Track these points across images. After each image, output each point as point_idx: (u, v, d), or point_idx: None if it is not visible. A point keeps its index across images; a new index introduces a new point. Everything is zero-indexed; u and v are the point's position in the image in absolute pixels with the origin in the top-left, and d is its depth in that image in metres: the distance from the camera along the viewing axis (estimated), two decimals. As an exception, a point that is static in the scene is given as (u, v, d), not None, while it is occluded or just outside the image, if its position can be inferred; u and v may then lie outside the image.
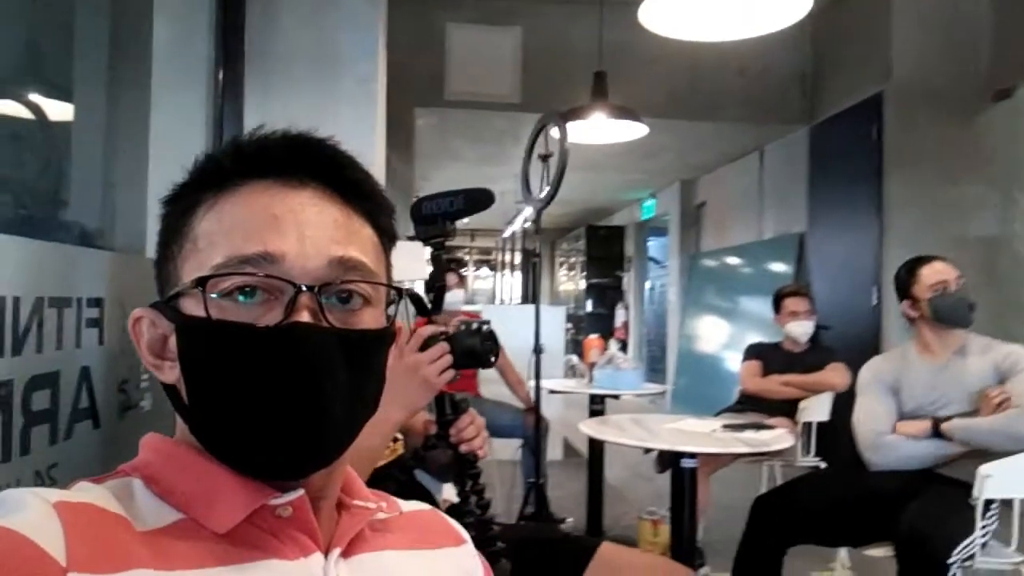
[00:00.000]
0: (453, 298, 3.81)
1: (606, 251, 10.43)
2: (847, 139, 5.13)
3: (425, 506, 0.71)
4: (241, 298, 0.54)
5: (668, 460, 3.28)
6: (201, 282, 0.53)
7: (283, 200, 0.56)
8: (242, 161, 0.57)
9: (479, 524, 1.26)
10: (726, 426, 2.28)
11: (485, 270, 15.07)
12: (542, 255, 14.41)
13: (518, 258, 14.02)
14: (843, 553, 2.56)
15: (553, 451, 5.12)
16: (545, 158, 2.86)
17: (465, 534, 0.71)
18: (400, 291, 0.62)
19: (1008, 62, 4.43)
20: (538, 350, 2.98)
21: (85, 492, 0.51)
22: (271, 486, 0.54)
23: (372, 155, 1.90)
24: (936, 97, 4.57)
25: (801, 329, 3.55)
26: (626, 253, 10.38)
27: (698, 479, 2.88)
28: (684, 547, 2.13)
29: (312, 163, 0.58)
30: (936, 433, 2.16)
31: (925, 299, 2.29)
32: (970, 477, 2.00)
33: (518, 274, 14.29)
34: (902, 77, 4.60)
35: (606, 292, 10.45)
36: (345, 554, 0.57)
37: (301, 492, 0.54)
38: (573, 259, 11.52)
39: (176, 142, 1.67)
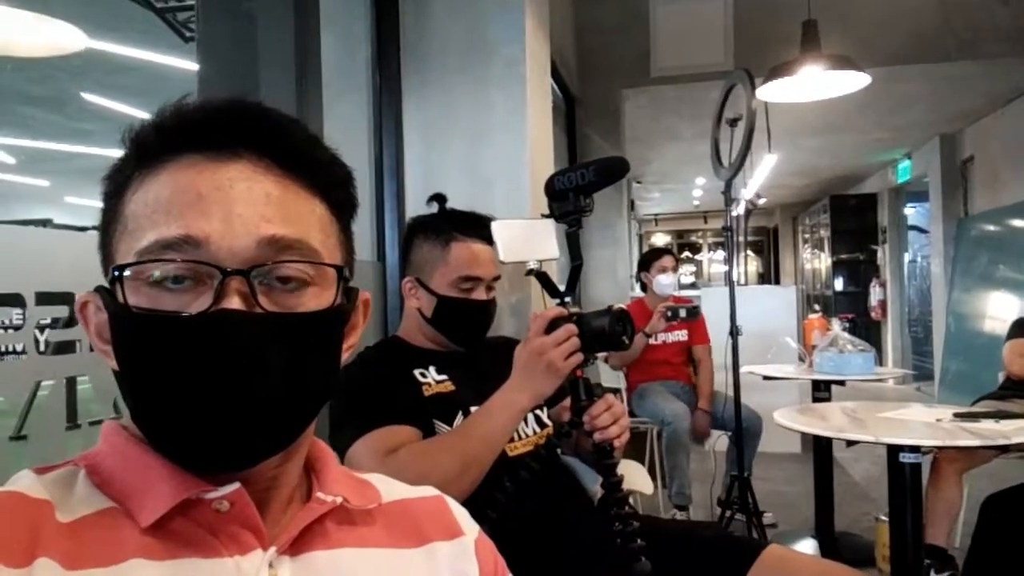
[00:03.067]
0: (667, 280, 3.68)
1: (855, 223, 9.39)
2: None
3: (430, 492, 0.66)
4: (171, 284, 0.52)
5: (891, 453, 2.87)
6: (119, 270, 0.52)
7: (210, 176, 0.53)
8: (164, 135, 0.55)
9: (616, 519, 1.18)
10: (958, 414, 1.91)
11: (721, 252, 14.40)
12: (781, 232, 13.42)
13: (749, 238, 13.21)
14: None
15: (789, 445, 4.75)
16: (734, 122, 2.62)
17: (468, 526, 0.64)
18: (341, 269, 0.57)
19: None
20: (735, 332, 2.75)
21: (17, 481, 0.52)
22: (207, 479, 0.52)
23: (523, 134, 1.87)
24: None
25: (1089, 298, 2.90)
26: (879, 223, 9.27)
27: (943, 477, 2.49)
28: (908, 554, 1.82)
29: (244, 132, 0.54)
30: None
31: None
32: None
33: (751, 254, 13.47)
34: None
35: (858, 268, 9.42)
36: (293, 551, 0.53)
37: (237, 485, 0.52)
38: (819, 234, 10.54)
39: (344, 150, 1.78)
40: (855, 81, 3.17)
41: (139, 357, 0.52)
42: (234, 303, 0.50)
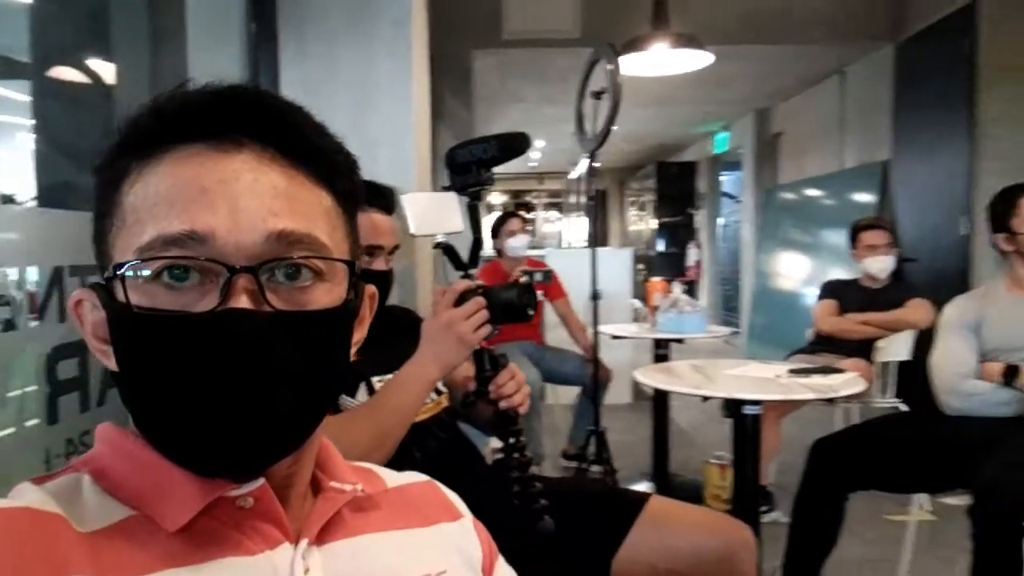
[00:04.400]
0: (517, 243, 3.76)
1: (678, 188, 10.11)
2: (936, 55, 4.74)
3: (420, 477, 0.67)
4: (175, 281, 0.49)
5: (732, 406, 3.20)
6: (118, 268, 0.49)
7: (214, 168, 0.50)
8: (164, 123, 0.51)
9: (521, 481, 1.24)
10: (792, 371, 2.18)
11: (554, 213, 14.92)
12: (610, 195, 14.13)
13: (584, 200, 13.79)
14: (922, 497, 2.45)
15: (620, 396, 5.08)
16: (598, 95, 2.73)
17: (463, 509, 0.67)
18: (352, 264, 0.56)
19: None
20: (595, 296, 2.92)
21: (21, 496, 0.48)
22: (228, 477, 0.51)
23: (410, 98, 1.84)
24: (1038, 3, 4.15)
25: (879, 264, 3.35)
26: (698, 189, 10.05)
27: (767, 424, 2.80)
28: (747, 494, 2.07)
29: (248, 120, 0.52)
30: (1008, 382, 2.01)
31: (1023, 232, 2.10)
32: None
33: (584, 217, 14.09)
34: (999, -16, 4.18)
35: (678, 231, 10.17)
36: (318, 541, 0.53)
37: (262, 481, 0.51)
38: (644, 198, 11.23)
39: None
40: (699, 59, 3.40)
41: (143, 359, 0.49)
42: (242, 302, 0.48)
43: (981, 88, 4.31)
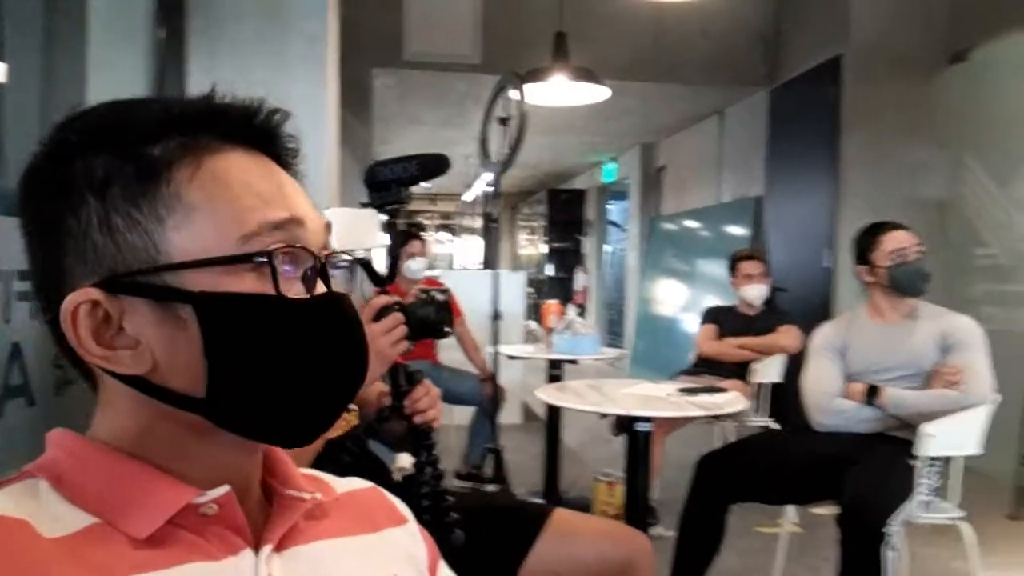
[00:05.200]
0: (416, 266, 3.76)
1: (567, 215, 10.43)
2: (806, 102, 5.17)
3: (364, 483, 0.68)
4: (288, 267, 0.52)
5: (624, 423, 3.34)
6: (266, 256, 0.50)
7: (273, 170, 0.54)
8: (227, 124, 0.53)
9: (434, 495, 1.26)
10: (681, 390, 2.32)
11: (445, 235, 14.97)
12: (501, 219, 14.35)
13: (478, 222, 13.92)
14: (791, 510, 2.64)
15: (511, 416, 5.15)
16: (504, 121, 2.82)
17: (408, 513, 0.68)
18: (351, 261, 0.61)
19: (964, 25, 4.48)
20: (497, 316, 2.97)
21: None
22: (197, 484, 0.51)
23: (324, 116, 1.84)
24: (893, 59, 4.62)
25: (755, 292, 3.60)
26: (586, 217, 10.39)
27: (654, 441, 2.94)
28: (639, 508, 2.17)
29: (275, 136, 0.55)
30: (870, 401, 2.22)
31: (883, 267, 2.32)
32: (913, 436, 2.07)
33: (479, 239, 14.22)
34: (861, 39, 4.62)
35: (566, 256, 10.47)
36: (278, 548, 0.54)
37: (227, 488, 0.51)
38: (534, 223, 11.49)
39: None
40: (597, 93, 3.56)
41: (273, 343, 0.51)
42: (323, 288, 0.53)
43: (844, 133, 4.74)
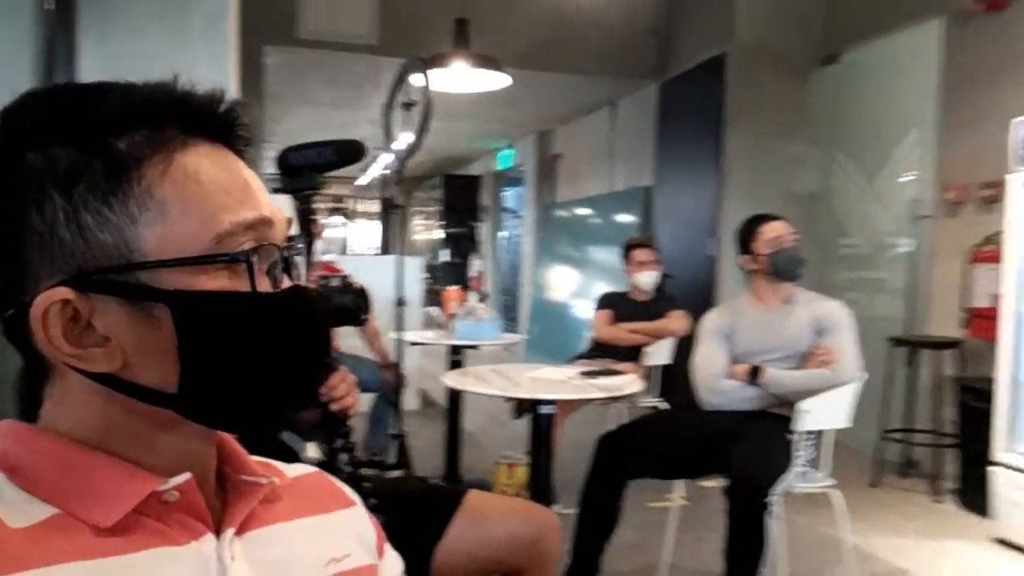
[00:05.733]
0: (315, 249, 3.69)
1: (463, 201, 10.44)
2: (693, 96, 5.40)
3: (311, 469, 0.70)
4: (257, 264, 0.52)
5: (525, 407, 3.42)
6: (245, 254, 0.51)
7: (237, 164, 0.54)
8: (192, 116, 0.52)
9: (352, 481, 1.27)
10: (582, 373, 2.41)
11: (337, 219, 14.64)
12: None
13: (372, 206, 13.72)
14: (680, 484, 2.80)
15: (410, 402, 5.15)
16: (408, 106, 2.81)
17: (355, 496, 0.70)
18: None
19: (837, 29, 4.82)
20: (401, 302, 2.97)
21: None
22: (157, 472, 0.51)
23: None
24: (772, 60, 4.91)
25: (647, 279, 3.76)
26: (482, 203, 10.44)
27: (553, 423, 3.03)
28: (543, 488, 2.24)
29: (236, 127, 0.55)
30: (752, 381, 2.40)
31: (763, 254, 2.50)
32: (791, 412, 2.26)
33: (372, 223, 14.00)
34: (743, 40, 4.88)
35: (462, 242, 10.49)
36: (238, 532, 0.55)
37: (188, 475, 0.52)
38: (429, 208, 11.44)
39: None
40: (498, 81, 3.59)
41: (248, 338, 0.52)
42: (288, 281, 0.55)
43: (727, 128, 5.00)
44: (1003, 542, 3.02)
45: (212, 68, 1.69)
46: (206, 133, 0.53)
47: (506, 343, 3.95)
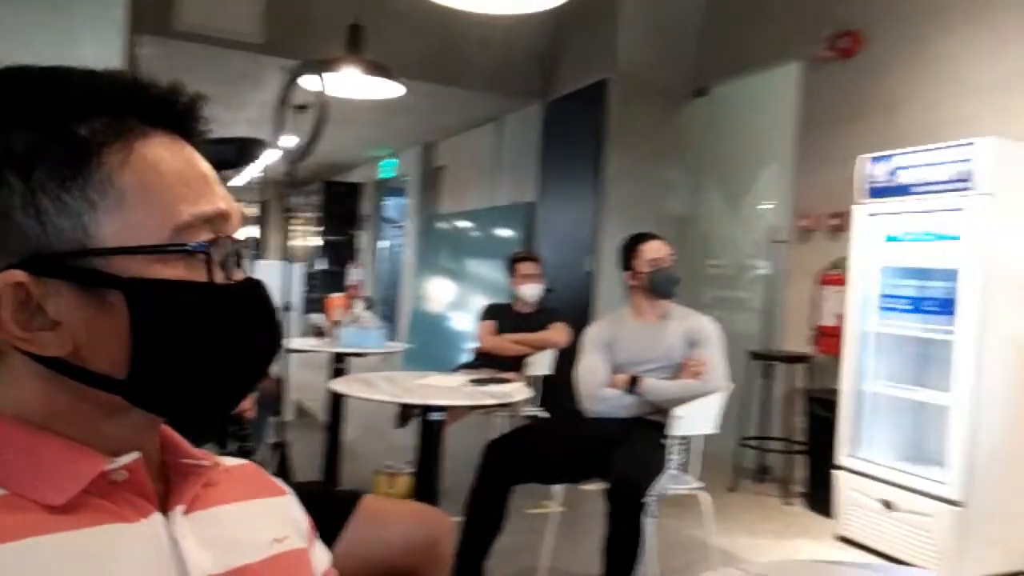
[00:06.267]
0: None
1: (343, 208, 10.26)
2: (576, 118, 5.61)
3: (242, 460, 0.71)
4: (212, 257, 0.53)
5: (408, 416, 3.42)
6: (204, 246, 0.52)
7: (194, 156, 0.55)
8: (151, 107, 0.52)
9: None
10: (472, 381, 2.45)
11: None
12: (271, 208, 13.72)
13: (250, 210, 13.18)
14: (557, 490, 2.89)
15: (285, 412, 5.00)
16: (301, 108, 2.76)
17: (286, 487, 0.71)
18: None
19: (708, 65, 5.17)
20: (288, 308, 2.91)
21: None
22: (106, 451, 0.51)
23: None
24: (649, 89, 5.20)
25: (531, 291, 3.87)
26: (362, 211, 10.31)
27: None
28: (431, 495, 2.26)
29: (194, 119, 0.56)
30: (631, 390, 2.54)
31: (643, 272, 2.65)
32: (665, 419, 2.40)
33: (249, 227, 13.44)
34: (624, 69, 5.14)
35: (340, 250, 10.30)
36: (185, 511, 0.56)
37: (137, 455, 0.52)
38: (307, 214, 11.15)
39: None
40: (390, 89, 3.59)
41: (201, 327, 0.52)
42: (240, 274, 0.56)
43: (608, 150, 5.23)
44: (845, 539, 3.33)
45: (101, 57, 1.61)
46: (165, 124, 0.53)
47: (391, 352, 3.94)
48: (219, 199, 0.54)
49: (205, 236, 0.53)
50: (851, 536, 3.30)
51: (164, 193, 0.51)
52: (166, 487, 0.57)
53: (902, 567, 2.77)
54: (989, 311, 2.87)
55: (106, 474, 0.51)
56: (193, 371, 0.53)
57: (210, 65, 5.32)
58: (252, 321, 0.56)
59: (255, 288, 0.57)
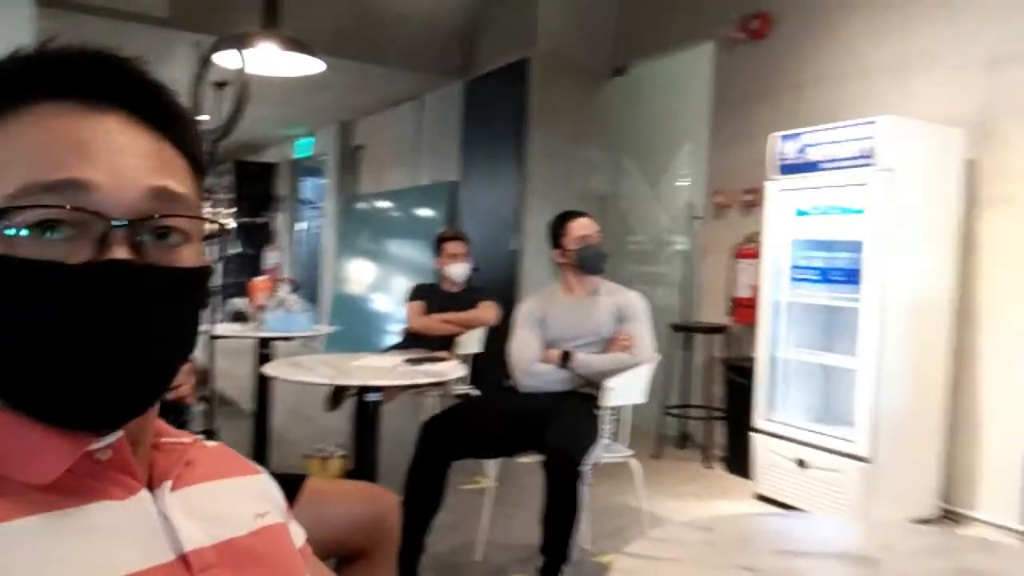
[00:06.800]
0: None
1: (257, 189, 9.94)
2: (497, 96, 5.62)
3: (213, 442, 0.71)
4: (47, 233, 0.47)
5: (339, 399, 3.39)
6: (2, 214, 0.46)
7: (87, 124, 0.50)
8: (35, 76, 0.50)
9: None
10: (407, 360, 2.45)
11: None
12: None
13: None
14: (491, 465, 2.94)
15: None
16: (221, 86, 2.66)
17: (259, 467, 0.72)
18: (223, 226, 0.60)
19: (626, 44, 5.26)
20: (215, 292, 2.82)
21: None
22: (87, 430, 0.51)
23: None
24: (569, 67, 5.25)
25: (459, 270, 3.88)
26: (278, 192, 10.02)
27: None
28: (369, 475, 2.26)
29: (118, 85, 0.53)
30: (564, 364, 2.60)
31: (572, 249, 2.70)
32: (597, 391, 2.48)
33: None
34: (545, 47, 5.17)
35: (255, 232, 9.99)
36: (172, 488, 0.56)
37: (120, 434, 0.52)
38: (219, 195, 10.74)
39: None
40: (310, 66, 3.50)
41: (12, 311, 0.47)
42: (121, 254, 0.49)
43: (530, 129, 5.27)
44: (763, 498, 3.52)
45: (8, 31, 1.51)
46: (58, 92, 0.51)
47: (316, 335, 3.88)
48: (84, 167, 0.49)
49: (45, 208, 0.47)
50: (768, 494, 3.49)
51: (8, 162, 0.49)
52: (150, 466, 0.57)
53: (820, 515, 2.95)
54: (889, 280, 3.07)
55: (90, 453, 0.51)
56: (21, 362, 0.48)
57: (115, 40, 5.00)
58: (91, 309, 0.48)
59: (104, 272, 0.48)
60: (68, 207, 0.48)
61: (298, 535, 0.70)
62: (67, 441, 0.50)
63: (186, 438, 0.61)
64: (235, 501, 0.62)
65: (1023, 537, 3.00)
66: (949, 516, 3.28)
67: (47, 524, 0.48)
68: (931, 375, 3.22)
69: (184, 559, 0.53)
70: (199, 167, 0.59)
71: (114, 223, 0.49)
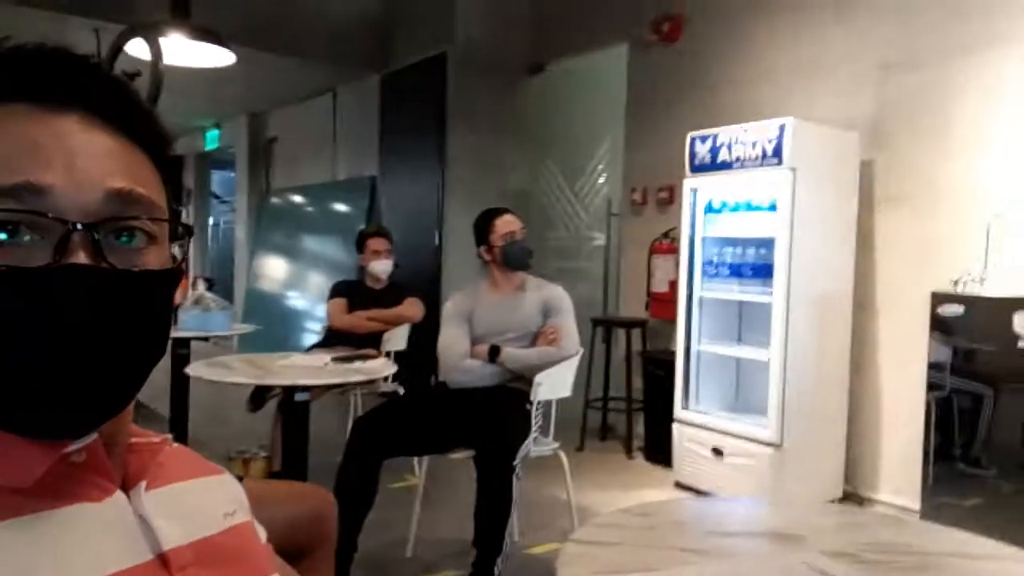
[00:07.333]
0: None
1: (162, 182, 9.52)
2: (416, 91, 5.59)
3: (175, 444, 0.70)
4: (4, 236, 0.46)
5: (260, 400, 3.30)
6: None
7: (44, 126, 0.49)
8: (16, 77, 0.49)
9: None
10: (335, 359, 2.42)
11: None
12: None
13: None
14: (418, 464, 2.93)
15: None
16: (132, 76, 2.55)
17: (222, 467, 0.71)
18: (189, 228, 0.59)
19: (543, 42, 5.33)
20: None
21: None
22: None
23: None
24: (487, 64, 5.27)
25: (382, 267, 3.85)
26: (185, 186, 9.64)
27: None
28: (301, 476, 2.23)
29: (76, 84, 0.51)
30: (492, 359, 2.63)
31: (498, 246, 2.73)
32: (527, 387, 2.52)
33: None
34: (462, 43, 5.18)
35: (162, 228, 9.57)
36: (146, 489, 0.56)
37: (95, 436, 0.52)
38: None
39: None
40: (220, 57, 3.39)
41: None
42: (81, 258, 0.47)
43: (449, 125, 5.27)
44: (682, 485, 3.66)
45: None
46: (12, 93, 0.50)
47: (232, 334, 3.76)
48: (42, 170, 0.48)
49: (7, 210, 0.46)
50: (687, 482, 3.63)
51: None
52: (123, 467, 0.57)
53: (746, 498, 3.09)
54: (796, 275, 3.24)
55: (66, 456, 0.50)
56: None
57: (10, 27, 4.71)
58: (47, 315, 0.46)
59: (63, 276, 0.47)
60: (24, 210, 0.47)
61: (262, 533, 0.70)
62: (41, 446, 0.49)
63: (155, 438, 0.61)
64: (205, 501, 0.62)
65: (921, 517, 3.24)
66: (852, 498, 3.49)
67: (24, 527, 0.47)
68: (834, 364, 3.42)
69: (162, 558, 0.53)
70: (165, 167, 0.58)
71: (73, 227, 0.48)
